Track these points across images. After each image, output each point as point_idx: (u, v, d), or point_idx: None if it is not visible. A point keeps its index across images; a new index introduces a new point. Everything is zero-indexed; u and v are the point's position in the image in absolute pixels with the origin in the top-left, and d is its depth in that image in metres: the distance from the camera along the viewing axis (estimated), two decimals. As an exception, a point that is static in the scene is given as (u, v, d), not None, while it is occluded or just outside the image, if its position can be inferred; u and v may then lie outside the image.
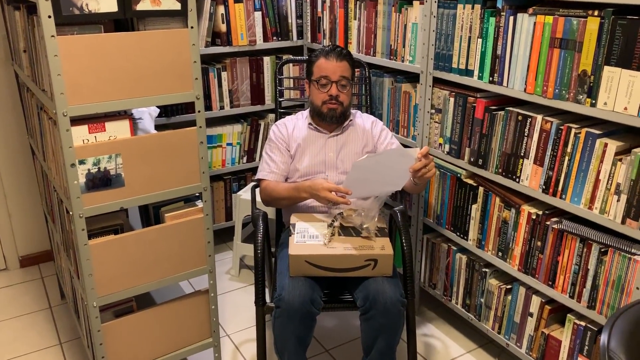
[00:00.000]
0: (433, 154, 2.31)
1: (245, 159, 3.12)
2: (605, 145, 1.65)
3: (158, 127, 2.25)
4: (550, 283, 1.90)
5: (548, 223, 1.87)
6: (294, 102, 2.97)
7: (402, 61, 2.37)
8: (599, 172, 1.68)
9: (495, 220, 2.08)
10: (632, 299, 1.65)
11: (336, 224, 1.91)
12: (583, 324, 1.82)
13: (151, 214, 2.03)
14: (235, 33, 2.85)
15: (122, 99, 1.69)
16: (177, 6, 1.71)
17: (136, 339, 1.94)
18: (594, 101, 1.65)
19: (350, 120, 2.16)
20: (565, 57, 1.70)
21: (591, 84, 1.65)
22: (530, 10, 1.78)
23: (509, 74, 1.90)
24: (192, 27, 1.76)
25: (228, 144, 3.03)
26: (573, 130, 1.74)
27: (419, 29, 2.24)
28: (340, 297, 1.97)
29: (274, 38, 3.01)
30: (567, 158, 1.77)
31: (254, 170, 3.19)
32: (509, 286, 2.11)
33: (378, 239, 1.86)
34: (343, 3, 2.67)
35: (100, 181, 1.70)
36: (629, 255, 1.64)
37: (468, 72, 2.07)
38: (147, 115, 2.12)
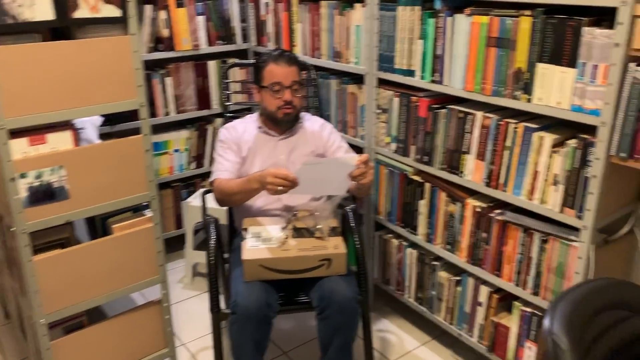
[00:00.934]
0: (381, 152, 2.36)
1: (193, 165, 3.08)
2: (542, 138, 1.73)
3: (102, 136, 2.19)
4: (496, 273, 1.98)
5: (492, 215, 1.95)
6: (241, 106, 2.95)
7: (347, 63, 2.41)
8: (537, 165, 1.76)
9: (442, 214, 2.14)
10: (572, 283, 1.74)
11: (289, 226, 1.92)
12: (529, 310, 1.90)
13: (98, 226, 1.99)
14: (178, 38, 2.82)
15: (63, 109, 1.65)
16: (117, 13, 1.68)
17: (88, 355, 1.89)
18: (529, 97, 1.73)
19: (300, 123, 2.18)
20: (501, 56, 1.78)
21: (526, 81, 1.72)
22: (467, 11, 1.85)
23: (449, 73, 1.97)
24: (133, 34, 1.73)
25: (175, 151, 2.99)
26: (511, 125, 1.81)
27: (362, 31, 2.28)
28: (295, 298, 1.98)
29: (218, 42, 2.99)
30: (507, 152, 1.84)
31: (203, 176, 3.16)
32: (458, 278, 2.17)
33: (331, 239, 1.88)
34: (286, 6, 2.69)
35: (44, 195, 1.65)
36: (568, 242, 1.72)
37: (410, 73, 2.12)
38: (90, 125, 2.07)
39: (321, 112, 2.61)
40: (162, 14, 2.74)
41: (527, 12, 1.68)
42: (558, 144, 1.73)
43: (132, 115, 2.75)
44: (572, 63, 1.59)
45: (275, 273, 1.83)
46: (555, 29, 1.61)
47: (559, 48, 1.61)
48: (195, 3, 2.83)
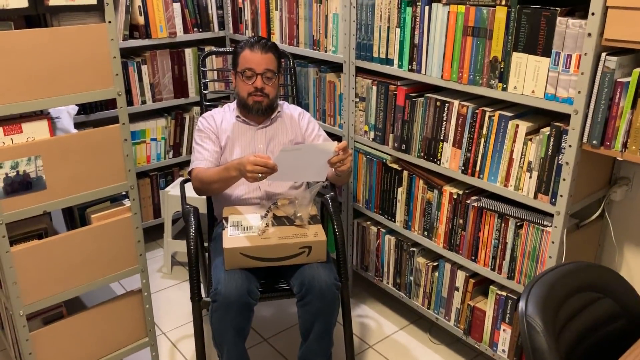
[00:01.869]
0: (359, 141, 2.38)
1: (171, 153, 3.06)
2: (517, 126, 1.77)
3: (77, 125, 2.17)
4: (473, 258, 2.02)
5: (468, 202, 1.99)
6: (218, 94, 2.94)
7: (325, 51, 2.42)
8: (512, 152, 1.80)
9: (419, 201, 2.18)
10: (545, 267, 1.79)
11: (269, 214, 1.94)
12: (504, 294, 1.95)
13: (76, 216, 1.97)
14: (154, 25, 2.78)
15: (38, 98, 1.62)
16: (93, 1, 1.65)
17: (68, 345, 1.88)
18: (505, 85, 1.76)
19: (279, 112, 2.18)
20: (478, 45, 1.80)
21: (502, 70, 1.76)
22: (444, 0, 1.87)
23: (426, 61, 1.99)
24: (109, 22, 1.71)
25: (152, 140, 2.97)
26: (487, 114, 1.85)
27: (340, 19, 2.29)
28: (276, 286, 2.00)
29: (195, 29, 2.97)
30: (483, 140, 1.88)
31: (181, 165, 3.14)
32: (435, 263, 2.22)
33: (311, 227, 1.90)
34: (263, -6, 2.67)
35: (20, 185, 1.63)
36: (542, 227, 1.77)
37: (388, 61, 2.14)
38: (66, 114, 2.03)
39: (299, 100, 2.62)
40: (137, 1, 2.70)
41: (503, 2, 1.71)
42: (532, 132, 1.77)
43: (108, 104, 2.75)
44: (546, 52, 1.63)
45: (256, 261, 1.84)
46: (529, 19, 1.65)
47: (534, 38, 1.65)
48: (171, -10, 2.80)
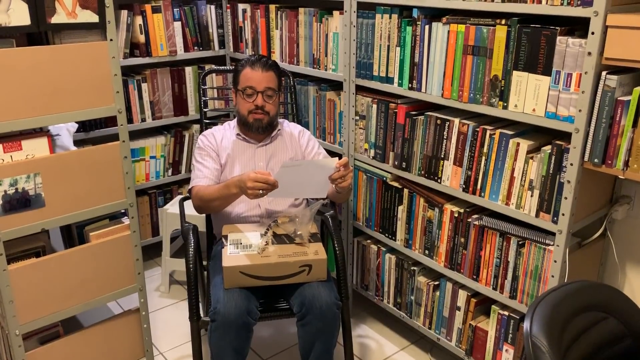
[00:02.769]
0: (359, 159, 2.38)
1: (170, 171, 3.05)
2: (518, 144, 1.77)
3: (77, 143, 2.16)
4: (474, 277, 2.00)
5: (469, 220, 1.98)
6: (218, 112, 2.94)
7: (326, 70, 2.43)
8: (513, 170, 1.80)
9: (420, 220, 2.17)
10: (548, 287, 1.77)
11: (269, 232, 1.92)
12: (506, 313, 1.93)
13: (75, 234, 1.95)
14: (154, 44, 2.80)
15: (38, 115, 1.62)
16: (95, 19, 1.66)
17: (64, 366, 1.86)
18: (505, 104, 1.76)
19: (279, 130, 2.18)
20: (478, 63, 1.81)
21: (502, 88, 1.76)
22: (444, 19, 1.88)
23: (426, 80, 2.00)
24: (111, 40, 1.71)
25: (151, 157, 2.96)
26: (488, 132, 1.85)
27: (340, 38, 2.30)
28: (275, 305, 1.97)
29: (195, 48, 2.98)
30: (483, 158, 1.88)
31: (180, 183, 3.13)
32: (436, 282, 2.20)
33: (311, 245, 1.89)
34: (264, 13, 2.69)
35: (19, 202, 1.62)
36: (544, 246, 1.76)
37: (388, 80, 2.15)
38: (65, 131, 2.03)
39: (299, 118, 2.62)
40: (138, 19, 2.72)
41: (503, 22, 1.72)
42: (533, 150, 1.77)
43: (107, 121, 2.74)
44: (546, 71, 1.63)
45: (256, 280, 1.82)
46: (530, 38, 1.65)
47: (534, 56, 1.65)
48: (171, 9, 2.82)
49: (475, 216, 1.98)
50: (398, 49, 2.07)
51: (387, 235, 2.34)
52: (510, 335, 1.93)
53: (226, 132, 2.18)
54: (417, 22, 1.96)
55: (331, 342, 1.90)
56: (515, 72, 1.71)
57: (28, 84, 1.58)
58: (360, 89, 2.30)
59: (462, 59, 1.85)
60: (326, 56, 2.41)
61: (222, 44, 3.09)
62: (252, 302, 1.83)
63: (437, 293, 2.19)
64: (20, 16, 1.52)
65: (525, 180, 1.77)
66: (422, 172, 2.10)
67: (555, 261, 1.73)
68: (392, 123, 2.18)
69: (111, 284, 1.90)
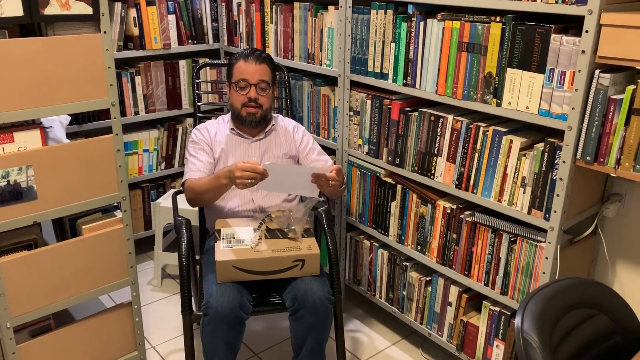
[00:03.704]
0: (353, 154, 2.38)
1: (163, 165, 3.04)
2: (511, 141, 1.78)
3: (69, 135, 2.15)
4: (466, 273, 2.02)
5: (462, 216, 1.99)
6: (212, 106, 2.94)
7: (320, 65, 2.42)
8: (506, 167, 1.80)
9: (413, 215, 2.17)
10: (539, 283, 1.79)
11: (262, 227, 1.92)
12: (497, 309, 1.95)
13: (67, 227, 1.94)
14: (148, 37, 2.78)
15: (31, 107, 1.61)
16: (89, 10, 1.65)
17: (56, 359, 1.85)
18: (499, 101, 1.77)
19: (273, 125, 2.18)
20: (472, 60, 1.82)
21: (496, 85, 1.77)
22: (439, 16, 1.88)
23: (421, 76, 2.00)
24: (104, 32, 1.70)
25: (144, 151, 2.95)
26: (481, 129, 1.86)
27: (335, 33, 2.30)
28: (268, 299, 1.98)
29: (190, 41, 2.97)
30: (477, 155, 1.88)
31: (173, 176, 3.12)
32: (428, 278, 2.21)
33: (304, 240, 1.89)
34: (259, 7, 2.68)
35: (10, 195, 1.61)
36: (536, 243, 1.77)
37: (383, 76, 2.15)
38: (58, 124, 2.02)
39: (294, 113, 2.62)
40: (132, 12, 2.70)
41: (497, 19, 1.72)
42: (526, 147, 1.77)
43: (100, 114, 2.73)
44: (540, 69, 1.64)
45: (249, 274, 1.82)
46: (524, 36, 1.66)
47: (528, 54, 1.66)
48: (166, 1, 2.80)
49: (467, 212, 1.99)
50: (393, 45, 2.07)
51: (380, 230, 2.34)
52: (501, 331, 1.95)
53: (220, 127, 2.17)
54: (412, 18, 1.97)
55: (323, 337, 1.90)
56: (509, 70, 1.72)
57: (21, 76, 1.56)
58: (354, 85, 2.30)
59: (456, 56, 1.86)
60: (321, 51, 2.40)
61: (216, 38, 3.07)
62: (244, 297, 1.83)
63: (429, 288, 2.20)
64: (13, 7, 1.51)
65: (517, 177, 1.78)
66: (416, 168, 2.11)
67: (546, 258, 1.74)
68: (386, 119, 2.18)
69: (103, 277, 1.89)
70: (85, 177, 1.77)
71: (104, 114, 2.71)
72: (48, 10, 1.58)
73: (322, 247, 2.03)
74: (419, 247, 2.18)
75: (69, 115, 2.10)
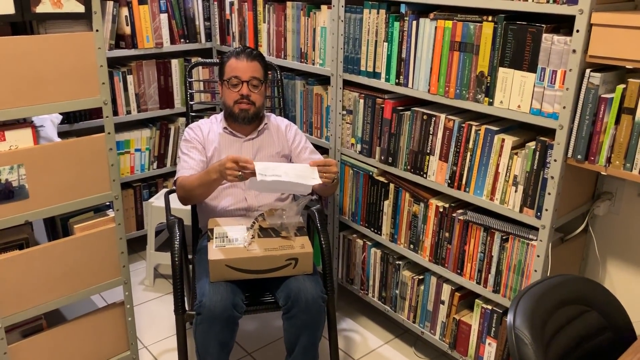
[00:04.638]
0: (346, 153, 2.38)
1: (155, 164, 3.03)
2: (503, 140, 1.79)
3: (61, 135, 2.14)
4: (458, 271, 2.03)
5: (454, 215, 2.00)
6: (205, 105, 2.93)
7: (313, 64, 2.43)
8: (498, 166, 1.82)
9: (406, 214, 2.18)
10: (531, 281, 1.80)
11: (255, 226, 1.92)
12: (490, 307, 1.96)
13: (59, 226, 1.93)
14: (140, 35, 2.77)
15: (22, 106, 1.60)
16: (81, 9, 1.64)
17: (47, 359, 1.84)
18: (491, 100, 1.78)
19: (265, 123, 2.18)
20: (465, 60, 1.83)
21: (488, 84, 1.78)
22: (432, 15, 1.89)
23: (413, 75, 2.01)
24: (97, 30, 1.70)
25: (137, 150, 2.94)
26: (474, 128, 1.87)
27: (328, 32, 2.30)
28: (261, 298, 1.98)
29: (182, 40, 2.96)
30: (469, 153, 1.89)
31: (165, 176, 3.11)
32: (421, 277, 2.22)
33: (297, 238, 1.89)
34: (252, 6, 2.68)
35: (2, 194, 1.60)
36: (527, 241, 1.79)
37: (376, 75, 2.15)
38: (49, 123, 2.01)
39: (286, 112, 2.62)
40: (124, 11, 2.69)
41: (490, 18, 1.73)
42: (518, 146, 1.79)
43: (92, 113, 2.72)
44: (532, 68, 1.65)
45: (242, 273, 1.82)
46: (516, 35, 1.67)
47: (520, 53, 1.67)
48: (158, 0, 2.79)
49: (460, 211, 2.00)
50: (385, 44, 2.07)
51: (372, 229, 2.35)
52: (494, 329, 1.96)
53: (213, 126, 2.17)
54: (405, 18, 1.97)
55: (316, 336, 1.91)
56: (501, 69, 1.73)
57: (12, 74, 1.56)
58: (347, 84, 2.31)
59: (448, 55, 1.87)
60: (314, 50, 2.41)
61: (208, 37, 3.07)
62: (237, 296, 1.83)
63: (422, 287, 2.20)
64: (5, 5, 1.50)
65: (509, 176, 1.79)
66: (408, 167, 2.12)
67: (538, 256, 1.75)
68: (378, 118, 2.19)
69: (95, 276, 1.89)
70: (77, 176, 1.76)
71: (96, 113, 2.70)
72: (40, 8, 1.57)
73: (315, 246, 2.03)
74: (411, 246, 2.19)
75: (60, 114, 2.09)
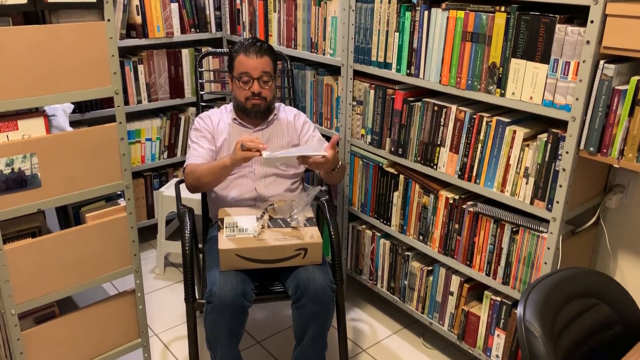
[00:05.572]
0: (355, 144, 2.38)
1: (165, 154, 3.05)
2: (514, 132, 1.77)
3: (72, 124, 2.15)
4: (468, 263, 2.02)
5: (464, 207, 1.99)
6: (215, 95, 2.93)
7: (324, 54, 2.42)
8: (509, 158, 1.81)
9: (415, 206, 2.18)
10: (541, 273, 1.79)
11: (265, 216, 1.93)
12: (499, 299, 1.96)
13: (71, 215, 1.95)
14: (151, 25, 2.77)
15: (34, 95, 1.61)
16: (92, -2, 1.64)
17: (60, 345, 1.86)
18: (503, 91, 1.77)
19: (275, 114, 2.18)
20: (477, 50, 1.81)
21: (500, 75, 1.76)
22: (444, 5, 1.87)
23: (424, 66, 2.00)
24: (108, 20, 1.70)
25: (147, 140, 2.95)
26: (485, 119, 1.85)
27: (339, 22, 2.29)
28: (271, 288, 1.99)
29: (192, 30, 2.96)
30: (480, 145, 1.88)
31: (176, 165, 3.13)
32: (430, 268, 2.22)
33: (307, 229, 1.90)
34: (262, -5, 2.67)
35: (15, 182, 1.61)
36: (538, 233, 1.78)
37: (387, 65, 2.14)
38: (61, 112, 2.02)
39: (296, 103, 2.62)
40: (135, 1, 2.69)
41: (502, 9, 1.72)
42: (530, 138, 1.77)
43: (103, 103, 2.73)
44: (544, 59, 1.64)
45: (252, 263, 1.83)
46: (529, 26, 1.65)
47: (533, 44, 1.66)
48: (169, -10, 2.79)
49: (470, 203, 1.99)
50: (397, 34, 2.06)
51: (382, 220, 2.35)
52: (502, 320, 1.96)
53: (222, 116, 2.18)
54: (417, 8, 1.96)
55: (325, 325, 1.92)
56: (513, 60, 1.72)
57: (24, 64, 1.56)
58: (357, 74, 2.30)
59: (460, 46, 1.85)
60: (324, 40, 2.40)
61: (219, 27, 3.06)
62: (247, 285, 1.84)
63: (431, 278, 2.21)
64: (17, -6, 1.51)
65: (520, 168, 1.78)
66: (418, 159, 2.11)
67: (548, 248, 1.75)
68: (389, 109, 2.18)
69: (107, 265, 1.90)
70: (89, 165, 1.77)
71: (107, 102, 2.72)
72: (52, -2, 1.57)
73: (324, 237, 2.04)
74: (421, 237, 2.19)
75: (72, 103, 2.10)
